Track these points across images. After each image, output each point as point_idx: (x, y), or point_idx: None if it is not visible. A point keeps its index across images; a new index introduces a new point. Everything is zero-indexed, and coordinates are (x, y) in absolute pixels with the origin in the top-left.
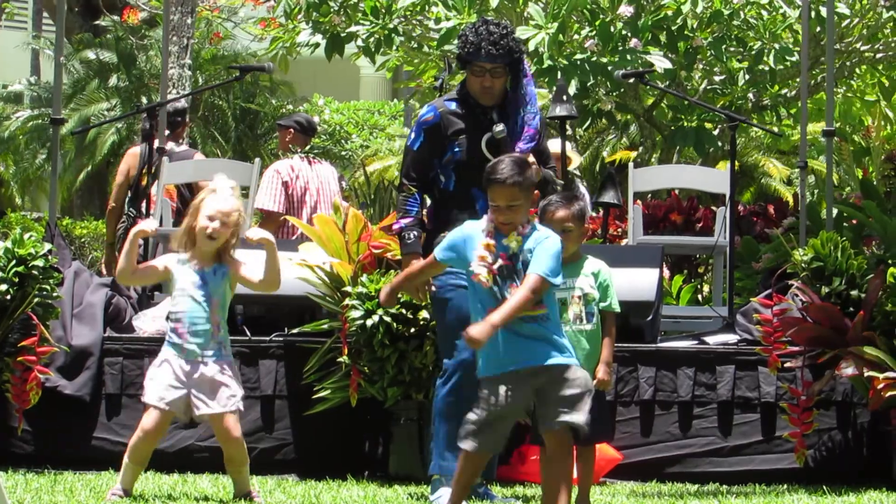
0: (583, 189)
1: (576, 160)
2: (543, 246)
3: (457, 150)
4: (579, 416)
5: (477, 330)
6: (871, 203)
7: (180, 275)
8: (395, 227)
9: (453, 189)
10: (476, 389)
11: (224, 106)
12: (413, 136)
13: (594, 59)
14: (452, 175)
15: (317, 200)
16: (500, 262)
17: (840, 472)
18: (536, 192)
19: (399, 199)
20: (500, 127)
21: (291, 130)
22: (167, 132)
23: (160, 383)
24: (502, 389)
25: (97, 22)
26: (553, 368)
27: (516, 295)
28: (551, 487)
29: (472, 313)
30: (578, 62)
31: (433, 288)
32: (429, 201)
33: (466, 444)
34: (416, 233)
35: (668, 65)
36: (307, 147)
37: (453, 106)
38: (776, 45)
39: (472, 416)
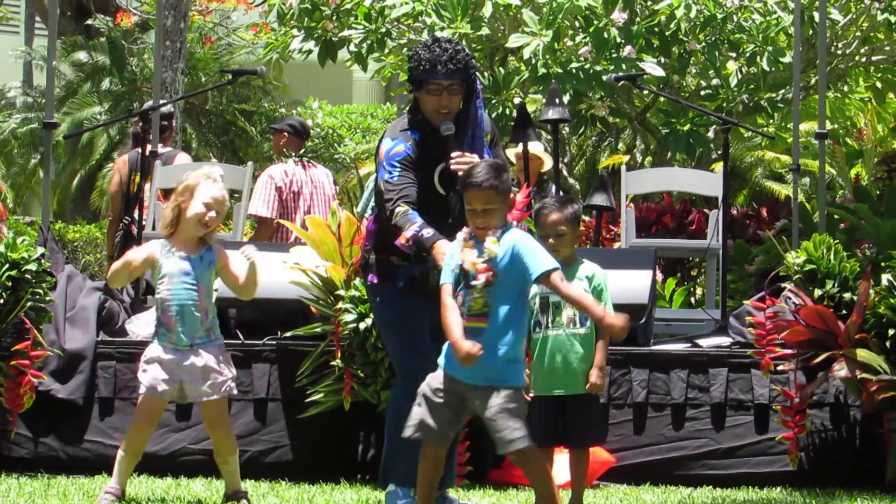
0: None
1: (548, 163)
2: (527, 248)
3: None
4: (519, 442)
5: (616, 320)
6: (864, 206)
7: (166, 262)
8: (409, 234)
9: None
10: None
11: (218, 109)
12: (388, 172)
13: (588, 66)
14: None
15: (310, 205)
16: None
17: (833, 474)
18: (512, 196)
19: (398, 220)
20: (447, 124)
21: (285, 134)
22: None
23: (153, 376)
24: (437, 378)
25: (89, 22)
26: (478, 390)
27: (571, 291)
28: (538, 494)
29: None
30: (573, 71)
31: (377, 299)
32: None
33: (407, 432)
34: (430, 229)
35: (661, 72)
36: (301, 150)
37: (418, 136)
38: (769, 48)
39: (414, 406)
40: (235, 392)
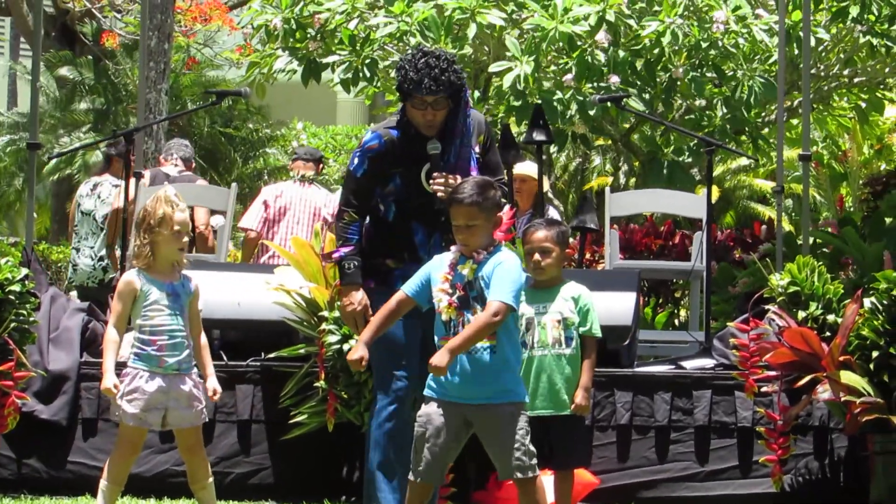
0: (553, 212)
1: (545, 182)
2: (502, 270)
3: (398, 181)
4: (521, 471)
5: (436, 358)
6: (850, 229)
7: (153, 290)
8: (336, 255)
9: (392, 220)
10: (410, 421)
11: (202, 130)
12: (357, 162)
13: (569, 94)
14: (392, 206)
15: (290, 222)
16: (458, 293)
17: (817, 497)
18: (500, 215)
19: (339, 225)
20: (434, 143)
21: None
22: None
23: (139, 405)
24: (436, 413)
25: (78, 28)
26: (488, 408)
27: (476, 321)
28: None
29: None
30: (555, 101)
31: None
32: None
33: (410, 475)
34: (356, 263)
35: (642, 107)
36: (303, 173)
37: (397, 134)
38: (760, 80)
39: (414, 444)
40: (206, 420)
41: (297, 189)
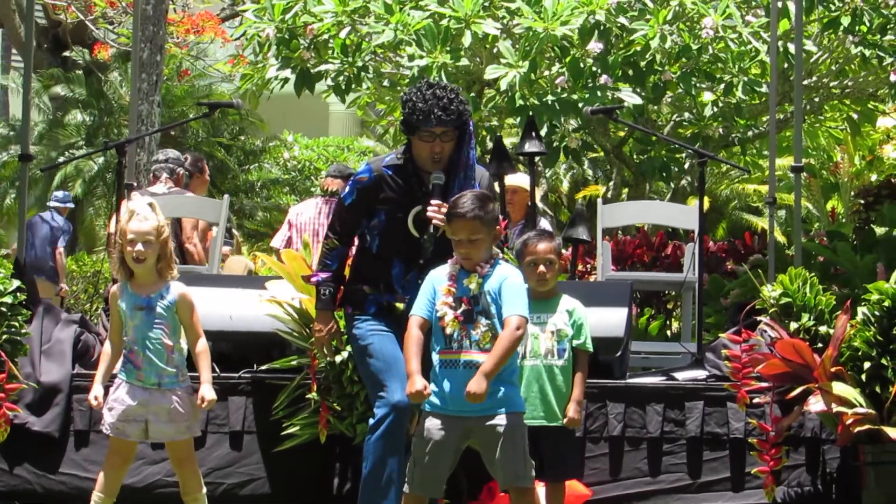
0: (545, 222)
1: (537, 194)
2: (511, 285)
3: (383, 217)
4: (523, 479)
5: (473, 385)
6: (844, 243)
7: (127, 303)
8: (313, 279)
9: (376, 252)
10: (405, 432)
11: (195, 142)
12: (347, 190)
13: (564, 95)
14: (377, 239)
15: (308, 235)
16: (462, 306)
17: None
18: (499, 228)
19: (322, 249)
20: (438, 174)
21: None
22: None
23: (116, 415)
24: (436, 427)
25: (66, 54)
26: (488, 419)
27: (503, 340)
28: None
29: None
30: (550, 102)
31: (353, 329)
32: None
33: (405, 487)
34: (331, 289)
35: (639, 100)
36: (328, 189)
37: (390, 172)
38: (744, 78)
39: (413, 457)
40: (198, 434)
41: (318, 203)
